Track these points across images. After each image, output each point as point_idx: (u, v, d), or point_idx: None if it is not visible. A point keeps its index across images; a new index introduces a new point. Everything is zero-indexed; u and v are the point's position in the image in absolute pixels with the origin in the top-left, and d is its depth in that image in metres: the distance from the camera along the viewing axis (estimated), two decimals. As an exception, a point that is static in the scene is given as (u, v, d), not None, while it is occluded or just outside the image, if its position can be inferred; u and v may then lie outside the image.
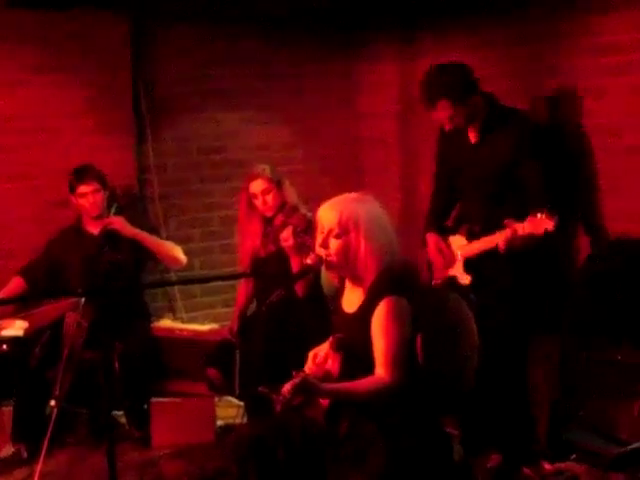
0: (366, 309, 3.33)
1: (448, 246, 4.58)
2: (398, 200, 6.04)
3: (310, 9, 5.94)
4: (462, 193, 4.66)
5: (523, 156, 4.31)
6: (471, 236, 4.47)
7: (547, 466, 3.87)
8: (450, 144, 4.64)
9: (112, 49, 5.67)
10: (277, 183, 4.97)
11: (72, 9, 5.43)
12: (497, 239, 4.17)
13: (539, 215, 3.98)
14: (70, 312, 4.95)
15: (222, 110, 6.11)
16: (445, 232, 4.65)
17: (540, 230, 3.98)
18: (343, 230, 3.32)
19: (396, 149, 5.45)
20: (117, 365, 4.94)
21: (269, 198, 4.95)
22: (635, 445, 2.67)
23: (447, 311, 3.68)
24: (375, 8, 5.90)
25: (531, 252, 4.16)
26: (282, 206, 4.97)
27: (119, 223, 5.24)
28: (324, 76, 6.37)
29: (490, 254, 4.27)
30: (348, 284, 3.51)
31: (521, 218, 4.13)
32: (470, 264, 4.46)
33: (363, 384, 3.22)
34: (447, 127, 4.42)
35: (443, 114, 4.33)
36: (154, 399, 5.09)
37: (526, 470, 4.25)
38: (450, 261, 4.55)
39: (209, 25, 5.96)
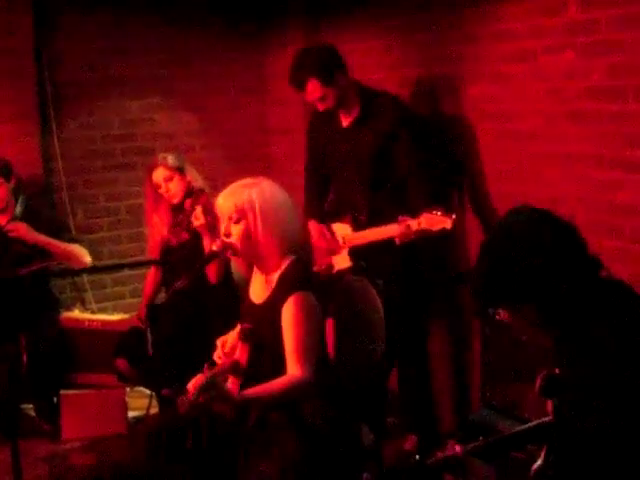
0: (274, 303, 3.35)
1: (332, 234, 4.59)
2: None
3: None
4: (336, 178, 4.70)
5: (397, 139, 4.37)
6: (357, 225, 4.48)
7: (457, 448, 3.92)
8: (321, 128, 4.69)
9: (15, 35, 5.55)
10: (179, 169, 4.91)
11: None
12: (391, 232, 4.20)
13: (435, 212, 4.04)
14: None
15: (127, 97, 6.04)
16: (325, 219, 4.67)
17: (436, 227, 4.04)
18: (241, 215, 3.35)
19: (303, 138, 5.41)
20: (25, 357, 4.87)
21: (172, 185, 4.90)
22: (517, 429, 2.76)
23: (355, 298, 3.73)
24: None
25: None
26: (188, 191, 4.92)
27: (23, 230, 5.11)
28: (232, 64, 6.32)
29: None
30: (256, 272, 3.52)
31: (403, 206, 4.24)
32: (356, 251, 4.49)
33: (279, 385, 3.22)
34: (320, 108, 4.44)
35: (314, 95, 4.37)
36: (63, 391, 5.02)
37: (439, 453, 4.31)
38: (334, 248, 4.57)
39: (111, 12, 5.88)
